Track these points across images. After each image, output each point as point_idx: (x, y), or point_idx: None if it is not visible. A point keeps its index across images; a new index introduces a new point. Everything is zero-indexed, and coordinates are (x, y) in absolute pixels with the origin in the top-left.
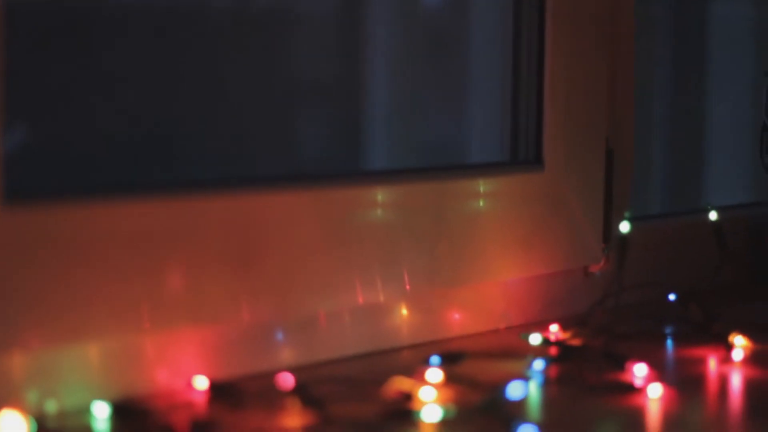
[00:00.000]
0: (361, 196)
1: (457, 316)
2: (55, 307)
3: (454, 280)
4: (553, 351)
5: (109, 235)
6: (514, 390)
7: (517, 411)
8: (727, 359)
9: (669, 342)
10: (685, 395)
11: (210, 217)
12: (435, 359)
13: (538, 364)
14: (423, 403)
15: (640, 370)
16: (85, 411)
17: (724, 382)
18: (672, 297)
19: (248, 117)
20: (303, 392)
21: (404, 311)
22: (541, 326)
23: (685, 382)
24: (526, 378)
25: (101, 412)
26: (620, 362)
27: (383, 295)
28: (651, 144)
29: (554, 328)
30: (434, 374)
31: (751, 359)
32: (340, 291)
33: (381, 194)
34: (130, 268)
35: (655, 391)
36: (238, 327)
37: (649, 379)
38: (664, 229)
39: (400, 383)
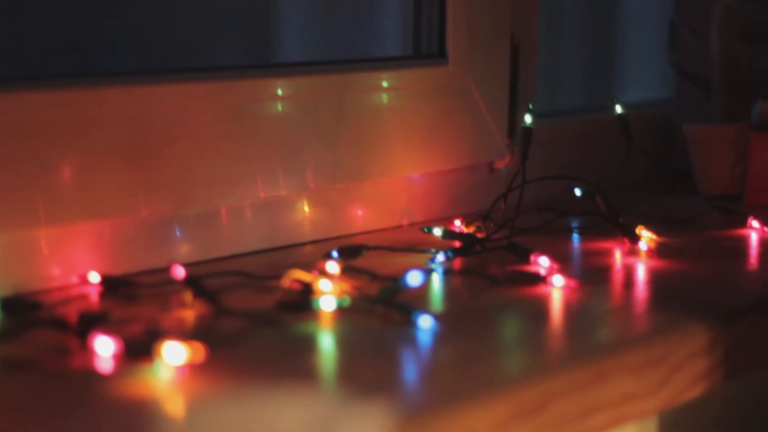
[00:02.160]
0: (259, 88)
1: (359, 212)
2: None
3: (357, 175)
4: (456, 244)
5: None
6: (413, 278)
7: (417, 301)
8: (632, 251)
9: (574, 235)
10: (589, 285)
11: (105, 108)
12: (334, 252)
13: (441, 257)
14: (320, 294)
15: (543, 262)
16: None
17: (629, 273)
18: (578, 192)
19: (156, 14)
20: (196, 284)
21: (306, 207)
22: (445, 222)
23: (590, 274)
24: (427, 270)
25: None
26: (524, 254)
27: (284, 189)
28: (561, 40)
29: (457, 222)
30: (333, 266)
31: (656, 251)
32: (240, 185)
33: (281, 87)
34: (21, 160)
35: (559, 281)
36: (135, 222)
37: (553, 271)
38: (572, 126)
39: (297, 275)
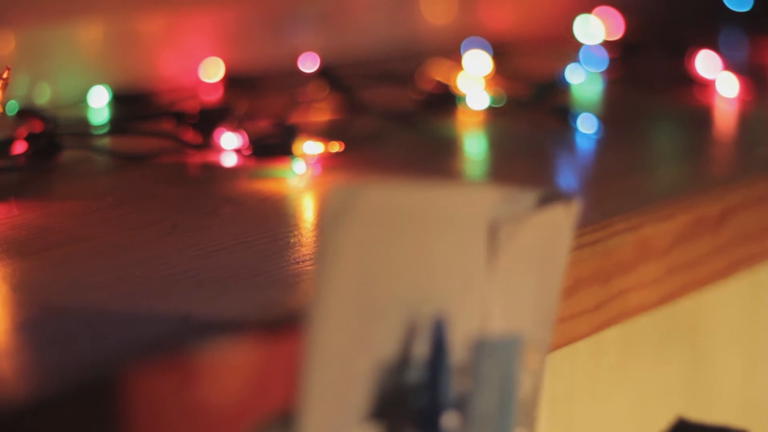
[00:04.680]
0: None
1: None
2: None
3: None
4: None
5: None
6: (571, 78)
7: (573, 101)
8: None
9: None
10: (761, 91)
11: None
12: (479, 48)
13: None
14: (467, 92)
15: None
16: (83, 97)
17: None
18: None
19: None
20: (331, 77)
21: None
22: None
23: (760, 77)
24: (584, 72)
25: (101, 97)
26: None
27: None
28: None
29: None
30: (481, 62)
31: None
32: None
33: None
34: None
35: (727, 84)
36: (256, 7)
37: (718, 70)
38: None
39: (441, 71)
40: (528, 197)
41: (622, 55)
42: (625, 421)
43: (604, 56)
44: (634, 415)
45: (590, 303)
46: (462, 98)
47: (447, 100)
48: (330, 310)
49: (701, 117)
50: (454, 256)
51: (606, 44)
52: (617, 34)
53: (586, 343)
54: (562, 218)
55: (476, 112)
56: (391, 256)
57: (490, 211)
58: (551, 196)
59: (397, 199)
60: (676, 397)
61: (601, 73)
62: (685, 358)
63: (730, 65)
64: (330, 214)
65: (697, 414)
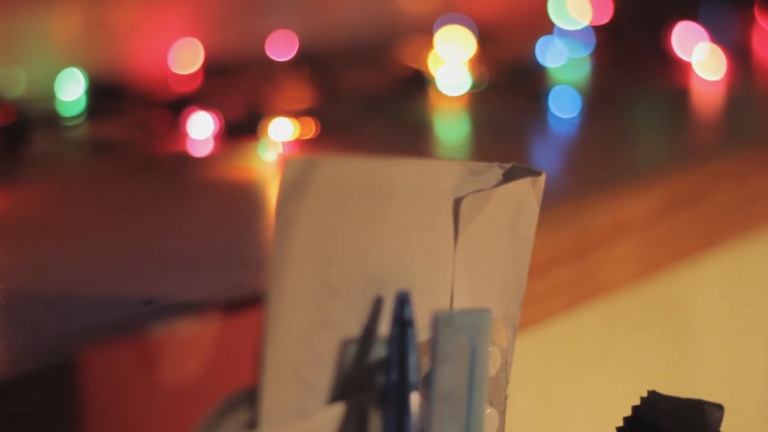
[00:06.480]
0: None
1: None
2: None
3: None
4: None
5: None
6: (548, 59)
7: (554, 84)
8: None
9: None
10: (744, 66)
11: None
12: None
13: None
14: (446, 74)
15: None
16: (57, 85)
17: None
18: None
19: None
20: (309, 61)
21: None
22: None
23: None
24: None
25: (75, 85)
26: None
27: None
28: None
29: None
30: (459, 40)
31: None
32: None
33: None
34: None
35: (711, 61)
36: None
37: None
38: None
39: (420, 50)
40: (493, 171)
41: (607, 36)
42: (602, 401)
43: (589, 38)
44: (612, 394)
45: (565, 278)
46: (440, 82)
47: (425, 83)
48: (286, 286)
49: (682, 95)
50: (419, 230)
51: (591, 25)
52: (604, 14)
53: (563, 322)
54: (529, 191)
55: (455, 96)
56: (353, 230)
57: (454, 185)
58: (517, 170)
59: (357, 173)
60: (656, 376)
61: (585, 54)
62: (667, 337)
63: (714, 41)
64: (285, 188)
65: (678, 393)
